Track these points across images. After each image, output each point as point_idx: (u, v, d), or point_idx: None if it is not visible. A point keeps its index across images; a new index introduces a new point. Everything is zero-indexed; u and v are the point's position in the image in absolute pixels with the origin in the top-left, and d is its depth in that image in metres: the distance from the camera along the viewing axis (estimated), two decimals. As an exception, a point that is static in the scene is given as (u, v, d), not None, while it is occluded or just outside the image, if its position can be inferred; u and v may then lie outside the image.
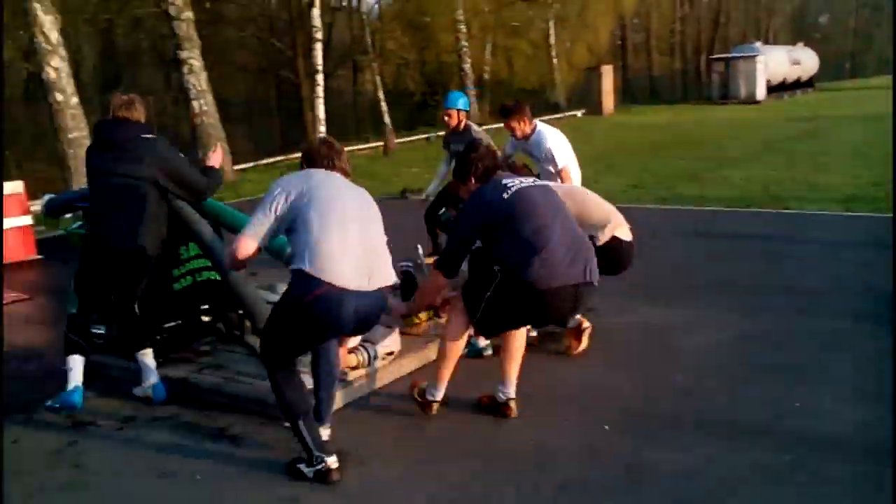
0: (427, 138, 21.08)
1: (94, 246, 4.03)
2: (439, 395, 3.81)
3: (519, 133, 5.73)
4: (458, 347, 3.74)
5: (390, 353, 4.31)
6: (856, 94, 34.19)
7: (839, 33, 74.42)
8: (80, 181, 10.99)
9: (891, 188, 9.46)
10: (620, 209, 4.62)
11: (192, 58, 13.61)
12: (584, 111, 29.88)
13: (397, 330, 4.50)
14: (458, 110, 6.58)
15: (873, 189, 9.65)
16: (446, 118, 6.61)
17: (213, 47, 24.91)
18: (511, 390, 3.78)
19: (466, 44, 20.93)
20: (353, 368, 4.11)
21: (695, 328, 4.97)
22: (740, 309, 5.27)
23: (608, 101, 30.37)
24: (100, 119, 4.56)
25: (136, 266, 4.00)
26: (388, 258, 3.34)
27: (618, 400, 3.95)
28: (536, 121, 5.79)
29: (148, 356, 4.15)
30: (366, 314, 3.19)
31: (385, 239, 3.39)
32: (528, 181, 3.69)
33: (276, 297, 4.10)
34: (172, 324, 4.43)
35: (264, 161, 16.99)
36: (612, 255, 4.30)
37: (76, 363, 4.07)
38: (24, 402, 4.25)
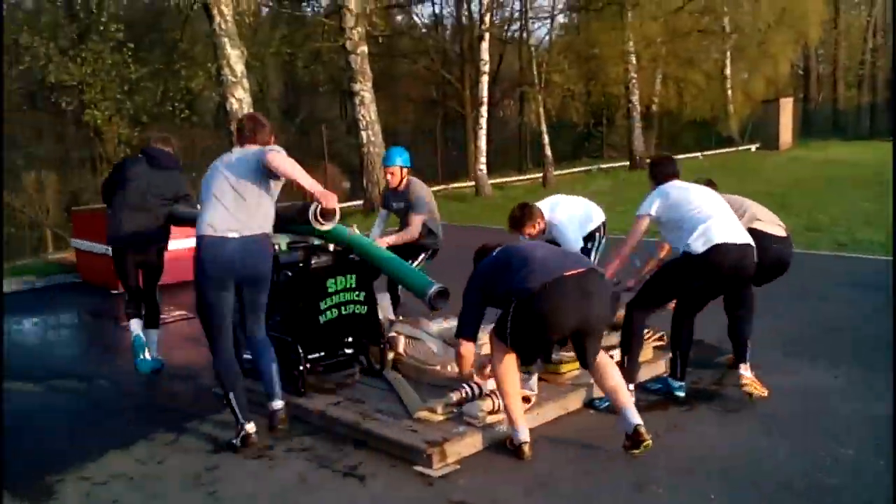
0: (588, 170, 20.78)
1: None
2: (523, 436, 3.80)
3: (535, 232, 5.27)
4: (510, 380, 3.81)
5: (527, 400, 4.17)
6: None
7: None
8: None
9: None
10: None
11: (364, 90, 14.15)
12: (758, 145, 28.38)
13: (536, 375, 4.38)
14: (401, 167, 5.97)
15: None
16: (389, 176, 6.02)
17: (386, 78, 26.04)
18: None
19: (635, 75, 20.46)
20: (491, 412, 4.02)
21: (863, 394, 4.48)
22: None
23: (786, 134, 28.66)
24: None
25: None
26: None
27: (776, 473, 3.59)
28: None
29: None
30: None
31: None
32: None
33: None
34: (316, 355, 4.51)
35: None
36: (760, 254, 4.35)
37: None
38: (174, 421, 4.48)
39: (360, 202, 14.70)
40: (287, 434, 4.24)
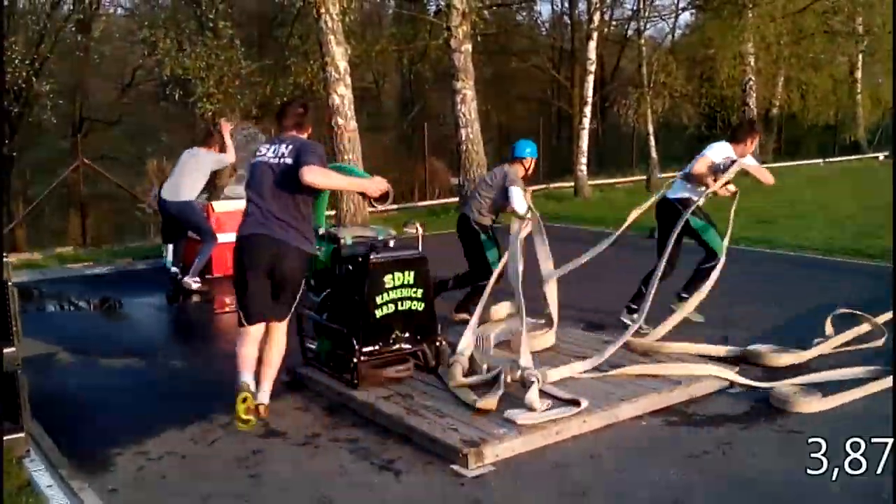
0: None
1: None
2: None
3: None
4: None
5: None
6: None
7: None
8: (349, 199, 11.95)
9: None
10: None
11: (466, 88, 14.19)
12: (885, 154, 26.64)
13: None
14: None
15: None
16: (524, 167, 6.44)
17: (500, 77, 26.07)
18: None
19: (753, 77, 19.62)
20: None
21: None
22: None
23: (920, 143, 26.78)
24: None
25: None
26: None
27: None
28: None
29: None
30: None
31: None
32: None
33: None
34: (371, 348, 4.59)
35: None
36: None
37: None
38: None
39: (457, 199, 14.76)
40: (337, 424, 4.36)
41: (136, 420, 4.52)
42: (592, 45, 15.75)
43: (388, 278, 4.59)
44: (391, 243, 4.74)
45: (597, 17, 16.10)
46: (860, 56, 26.55)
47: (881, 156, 26.68)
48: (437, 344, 4.83)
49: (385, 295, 4.59)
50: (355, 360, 4.53)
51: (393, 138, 26.22)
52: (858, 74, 27.00)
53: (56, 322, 7.45)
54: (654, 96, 16.92)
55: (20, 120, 19.39)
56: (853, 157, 26.06)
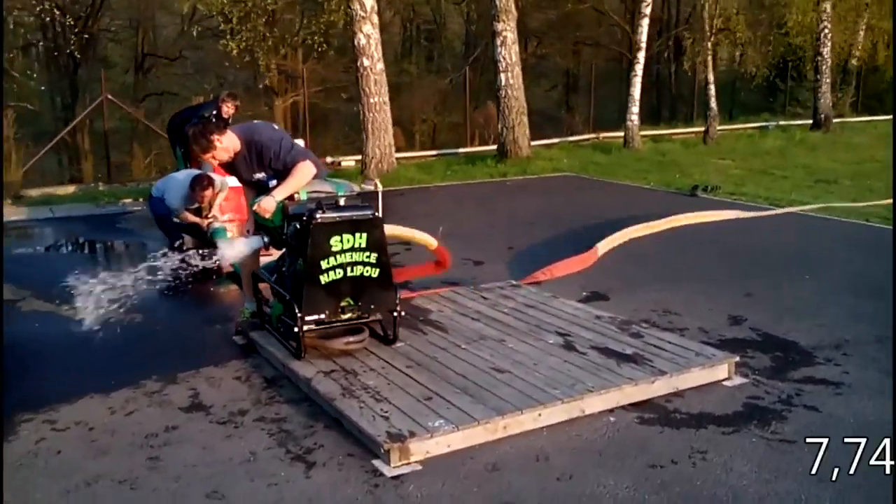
0: (763, 127, 18.84)
1: None
2: None
3: None
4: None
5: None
6: None
7: None
8: (375, 144, 11.45)
9: None
10: None
11: (507, 30, 13.40)
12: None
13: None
14: None
15: None
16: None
17: (564, 21, 24.83)
18: None
19: (828, 24, 18.05)
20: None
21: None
22: None
23: None
24: None
25: None
26: None
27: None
28: None
29: None
30: None
31: None
32: None
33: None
34: (316, 317, 4.13)
35: (572, 138, 16.43)
36: None
37: None
38: (175, 371, 4.29)
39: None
40: (270, 400, 3.95)
41: (66, 382, 4.21)
42: (649, -16, 14.67)
43: (334, 240, 4.10)
44: (342, 202, 4.24)
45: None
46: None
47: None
48: (396, 314, 4.34)
49: (331, 259, 4.10)
50: (296, 328, 4.08)
51: (454, 81, 25.45)
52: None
53: (38, 264, 7.20)
54: (715, 42, 15.68)
55: (84, 55, 19.38)
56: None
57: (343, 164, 12.88)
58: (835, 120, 19.29)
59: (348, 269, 4.15)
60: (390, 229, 5.10)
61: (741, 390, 4.07)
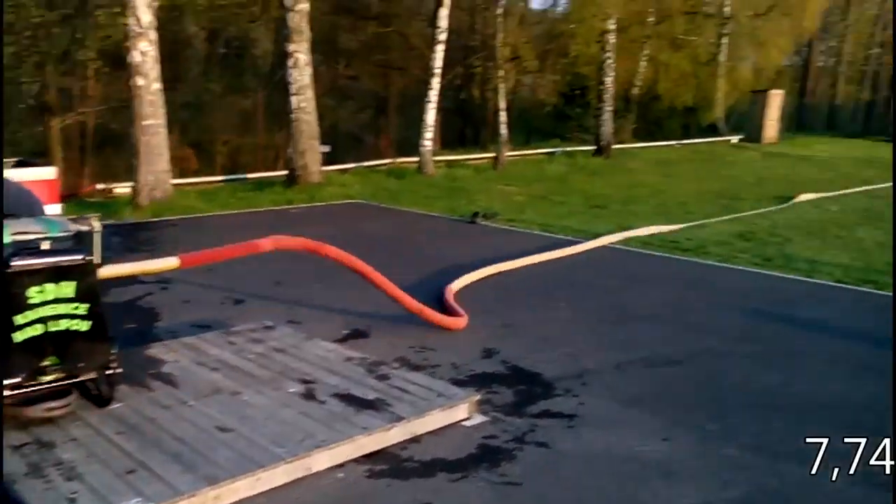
0: (551, 153, 19.79)
1: None
2: None
3: None
4: None
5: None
6: None
7: None
8: (148, 170, 10.76)
9: None
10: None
11: (300, 51, 13.13)
12: (741, 137, 27.35)
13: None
14: None
15: None
16: None
17: (371, 44, 24.87)
18: None
19: (611, 55, 19.33)
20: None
21: (697, 472, 3.63)
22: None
23: (771, 128, 27.65)
24: None
25: None
26: None
27: None
28: None
29: None
30: None
31: None
32: None
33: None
34: (13, 381, 3.63)
35: (369, 163, 16.40)
36: None
37: None
38: None
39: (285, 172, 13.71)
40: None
41: None
42: (444, 12, 14.96)
43: (33, 291, 3.63)
44: (46, 245, 3.78)
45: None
46: (722, 39, 26.97)
47: (734, 139, 27.37)
48: (111, 371, 3.92)
49: (29, 313, 3.64)
50: (-10, 396, 3.57)
51: (255, 102, 24.67)
52: (721, 57, 27.42)
53: None
54: (510, 69, 16.29)
55: None
56: (711, 139, 26.58)
57: (117, 191, 12.01)
58: (616, 146, 20.64)
59: (50, 323, 3.71)
60: (116, 269, 4.67)
61: (478, 430, 4.04)
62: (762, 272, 7.79)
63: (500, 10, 16.81)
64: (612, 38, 19.36)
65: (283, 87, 13.18)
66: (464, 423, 4.11)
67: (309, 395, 4.20)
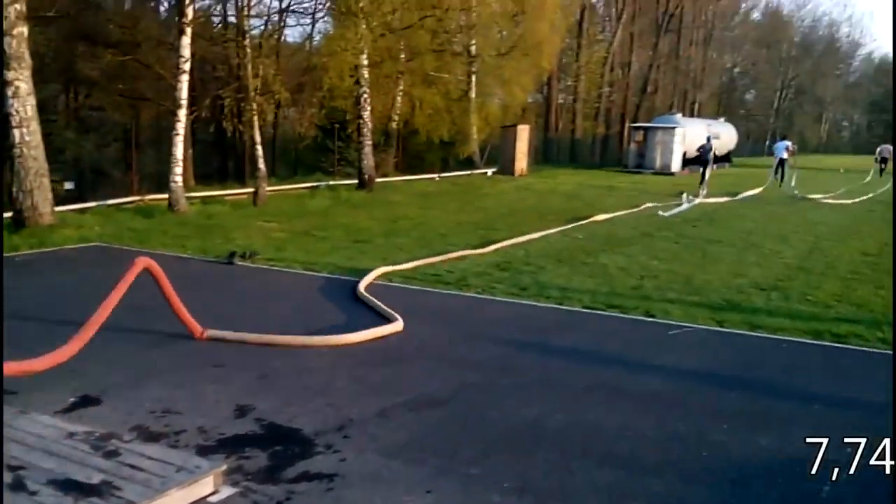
0: (315, 187, 19.48)
1: None
2: None
3: None
4: None
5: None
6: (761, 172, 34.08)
7: (763, 111, 76.62)
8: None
9: (774, 294, 8.32)
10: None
11: (20, 79, 11.74)
12: (494, 170, 28.83)
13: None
14: None
15: (756, 295, 8.41)
16: None
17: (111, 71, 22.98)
18: None
19: (367, 90, 19.49)
20: None
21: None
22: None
23: (521, 161, 29.44)
24: None
25: None
26: None
27: None
28: None
29: None
30: None
31: None
32: None
33: None
34: None
35: (113, 201, 15.05)
36: None
37: None
38: None
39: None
40: None
41: None
42: (186, 41, 14.18)
43: None
44: None
45: (191, 11, 14.51)
46: (471, 76, 28.33)
47: (490, 171, 28.78)
48: None
49: None
50: None
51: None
52: (472, 94, 28.77)
53: None
54: (265, 102, 15.76)
55: None
56: (469, 172, 27.71)
57: None
58: (379, 179, 20.78)
59: None
60: None
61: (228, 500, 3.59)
62: (519, 301, 7.97)
63: (247, 42, 16.28)
64: (366, 73, 19.54)
65: (3, 120, 11.69)
66: (209, 499, 3.63)
67: (17, 486, 3.51)
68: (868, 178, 32.36)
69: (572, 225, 13.91)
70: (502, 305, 7.88)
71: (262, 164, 15.90)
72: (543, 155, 41.61)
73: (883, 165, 36.52)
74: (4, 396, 4.75)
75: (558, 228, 13.40)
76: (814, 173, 32.38)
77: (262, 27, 21.48)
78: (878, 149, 39.06)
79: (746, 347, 6.53)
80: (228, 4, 24.93)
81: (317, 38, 28.22)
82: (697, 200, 19.67)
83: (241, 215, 14.18)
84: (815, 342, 6.63)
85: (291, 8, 22.00)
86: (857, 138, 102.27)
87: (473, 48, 27.12)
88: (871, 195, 23.52)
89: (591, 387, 5.37)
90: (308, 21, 26.26)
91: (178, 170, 14.24)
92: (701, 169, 25.60)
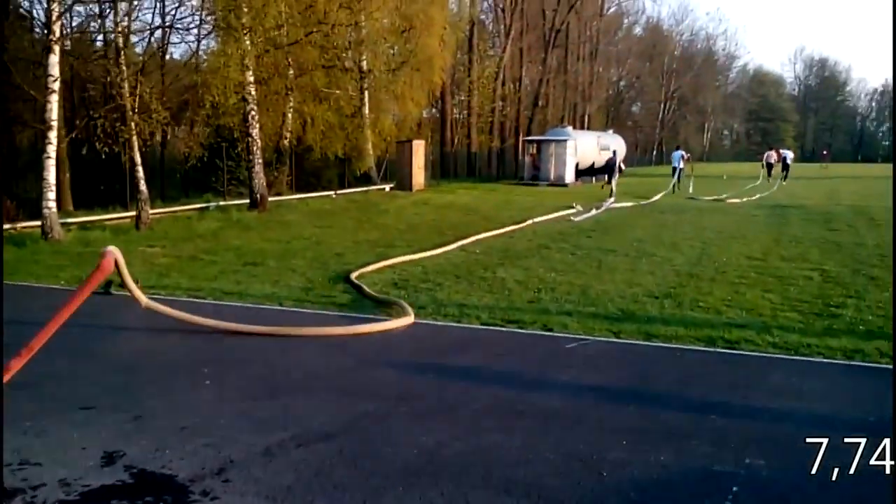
0: (205, 208, 18.73)
1: None
2: None
3: None
4: None
5: None
6: (654, 180, 35.33)
7: (649, 122, 79.65)
8: None
9: (667, 301, 8.40)
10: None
11: None
12: (392, 185, 28.63)
13: None
14: None
15: (650, 303, 8.47)
16: None
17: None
18: None
19: (255, 107, 18.91)
20: None
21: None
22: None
23: (419, 176, 29.35)
24: None
25: None
26: None
27: None
28: None
29: None
30: None
31: None
32: None
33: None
34: None
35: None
36: None
37: None
38: None
39: None
40: None
41: None
42: (54, 59, 13.36)
43: None
44: None
45: (58, 28, 13.68)
46: (364, 92, 28.05)
47: (388, 187, 28.54)
48: None
49: None
50: None
51: None
52: (366, 110, 28.48)
53: None
54: (143, 120, 14.98)
55: None
56: (366, 188, 27.37)
57: None
58: (273, 198, 20.20)
59: None
60: None
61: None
62: (418, 322, 7.74)
63: (122, 59, 15.48)
64: (252, 90, 18.97)
65: None
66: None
67: None
68: (758, 182, 34.92)
69: (471, 239, 13.81)
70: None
71: (143, 186, 15.10)
72: (441, 169, 41.73)
73: (769, 170, 39.42)
74: None
75: (457, 244, 13.27)
76: (701, 181, 33.76)
77: (145, 44, 20.61)
78: (765, 154, 42.38)
79: (643, 358, 6.51)
80: (108, 21, 23.86)
81: (203, 55, 27.43)
82: (606, 206, 21.65)
83: (122, 241, 13.34)
84: (708, 349, 6.68)
85: (175, 25, 21.15)
86: (737, 146, 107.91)
87: (365, 64, 26.90)
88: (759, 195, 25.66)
89: (490, 408, 5.17)
90: (192, 38, 25.45)
91: (52, 194, 13.34)
92: (607, 177, 27.70)
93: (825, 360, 6.34)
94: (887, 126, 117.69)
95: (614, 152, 29.91)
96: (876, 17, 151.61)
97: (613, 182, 26.29)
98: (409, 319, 7.51)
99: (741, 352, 6.60)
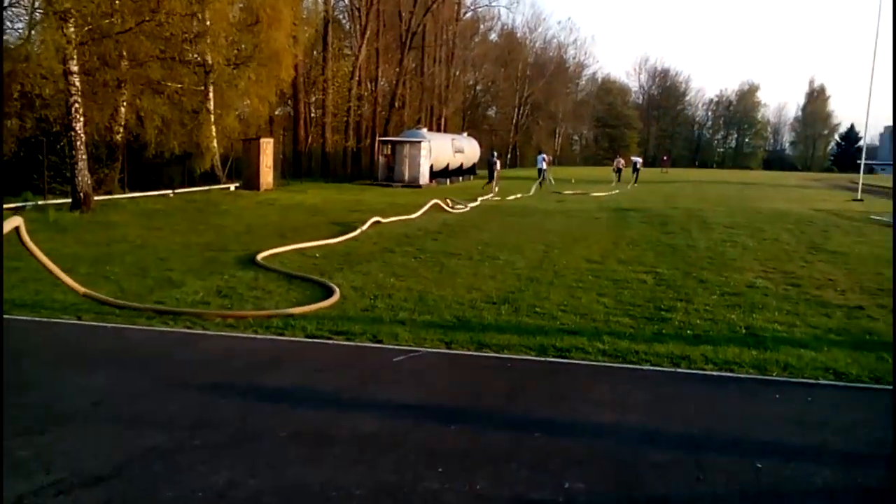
0: (20, 208, 17.02)
1: None
2: None
3: None
4: None
5: None
6: (510, 182, 35.89)
7: (504, 126, 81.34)
8: None
9: (504, 307, 8.16)
10: None
11: None
12: (237, 185, 27.43)
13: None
14: None
15: (487, 309, 8.19)
16: None
17: None
18: None
19: (79, 99, 17.36)
20: None
21: None
22: None
23: (266, 175, 28.29)
24: None
25: None
26: None
27: None
28: None
29: None
30: None
31: None
32: None
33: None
34: None
35: None
36: None
37: None
38: None
39: None
40: None
41: None
42: None
43: None
44: None
45: None
46: (210, 87, 26.65)
47: (233, 186, 27.30)
48: None
49: None
50: None
51: None
52: (211, 105, 27.06)
53: None
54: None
55: None
56: (209, 187, 26.00)
57: None
58: (102, 197, 18.67)
59: None
60: None
61: None
62: (235, 335, 7.08)
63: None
64: (77, 81, 17.42)
65: None
66: None
67: None
68: (613, 185, 39.11)
69: (314, 243, 13.18)
70: (217, 340, 6.95)
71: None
72: (295, 168, 40.58)
73: (618, 175, 44.74)
74: None
75: (294, 246, 12.61)
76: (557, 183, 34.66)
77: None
78: (616, 160, 47.73)
79: (473, 370, 6.18)
80: None
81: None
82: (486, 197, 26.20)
83: None
84: (539, 359, 6.44)
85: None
86: (586, 151, 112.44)
87: (209, 58, 25.54)
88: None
89: (297, 436, 4.64)
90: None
91: None
92: (489, 177, 32.04)
93: (652, 368, 6.25)
94: (721, 134, 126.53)
95: (491, 154, 34.67)
96: (712, 28, 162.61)
97: (494, 181, 31.07)
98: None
99: (571, 360, 6.41)
